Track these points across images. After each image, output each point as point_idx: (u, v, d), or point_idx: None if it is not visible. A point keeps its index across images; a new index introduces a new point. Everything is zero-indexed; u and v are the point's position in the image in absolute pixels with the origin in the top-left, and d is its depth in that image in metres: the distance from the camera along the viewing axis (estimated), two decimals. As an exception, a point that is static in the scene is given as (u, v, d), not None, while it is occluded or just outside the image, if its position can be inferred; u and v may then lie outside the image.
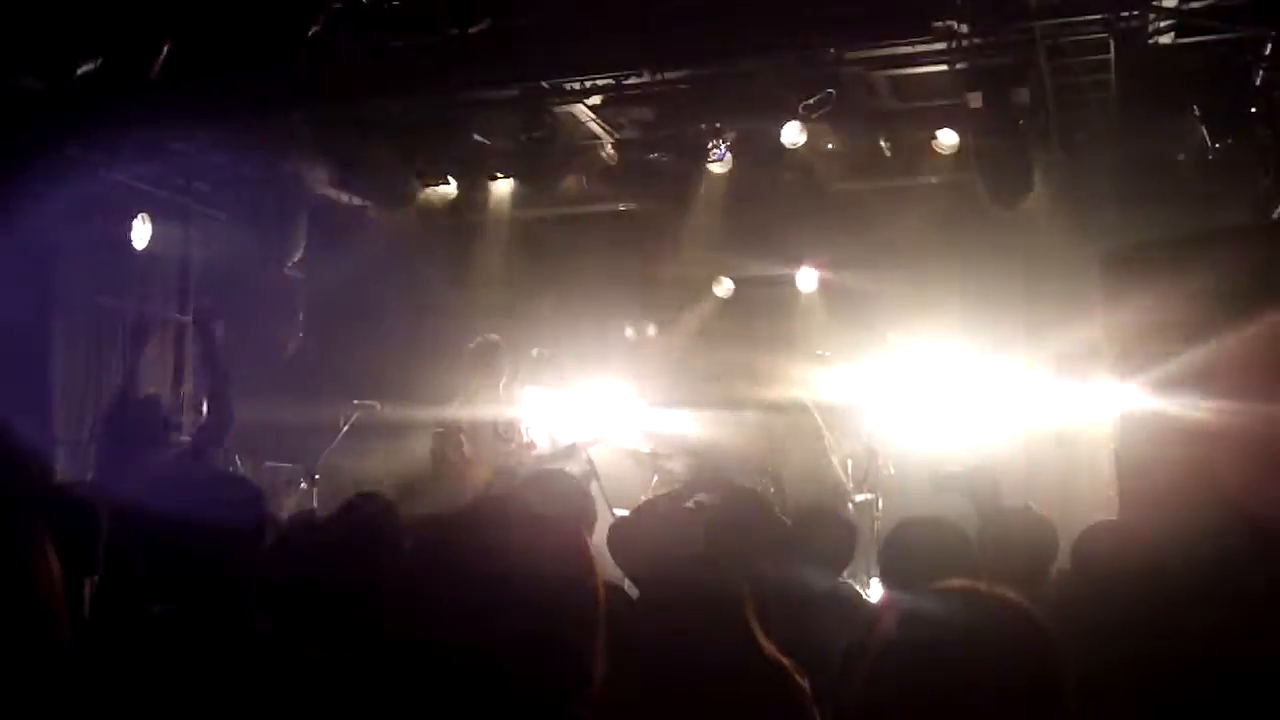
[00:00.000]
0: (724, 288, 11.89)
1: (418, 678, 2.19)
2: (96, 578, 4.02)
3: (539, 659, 2.18)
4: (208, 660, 3.19)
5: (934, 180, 10.51)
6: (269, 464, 10.80)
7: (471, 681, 2.15)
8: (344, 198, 11.74)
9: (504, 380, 9.59)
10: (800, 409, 9.64)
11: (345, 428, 10.13)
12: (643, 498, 10.30)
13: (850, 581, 5.75)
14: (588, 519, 5.33)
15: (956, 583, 2.30)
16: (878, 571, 7.17)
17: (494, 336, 9.70)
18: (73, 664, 2.77)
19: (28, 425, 9.26)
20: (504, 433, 9.49)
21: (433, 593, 2.22)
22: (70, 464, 9.94)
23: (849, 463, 10.63)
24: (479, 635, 2.15)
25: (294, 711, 2.56)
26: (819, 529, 5.58)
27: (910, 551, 4.77)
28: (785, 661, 3.71)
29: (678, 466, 9.26)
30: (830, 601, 5.08)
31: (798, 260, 11.64)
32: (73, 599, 3.73)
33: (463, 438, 9.55)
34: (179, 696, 3.10)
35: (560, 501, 5.17)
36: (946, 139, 9.83)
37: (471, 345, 9.70)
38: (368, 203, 12.02)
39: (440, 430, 9.85)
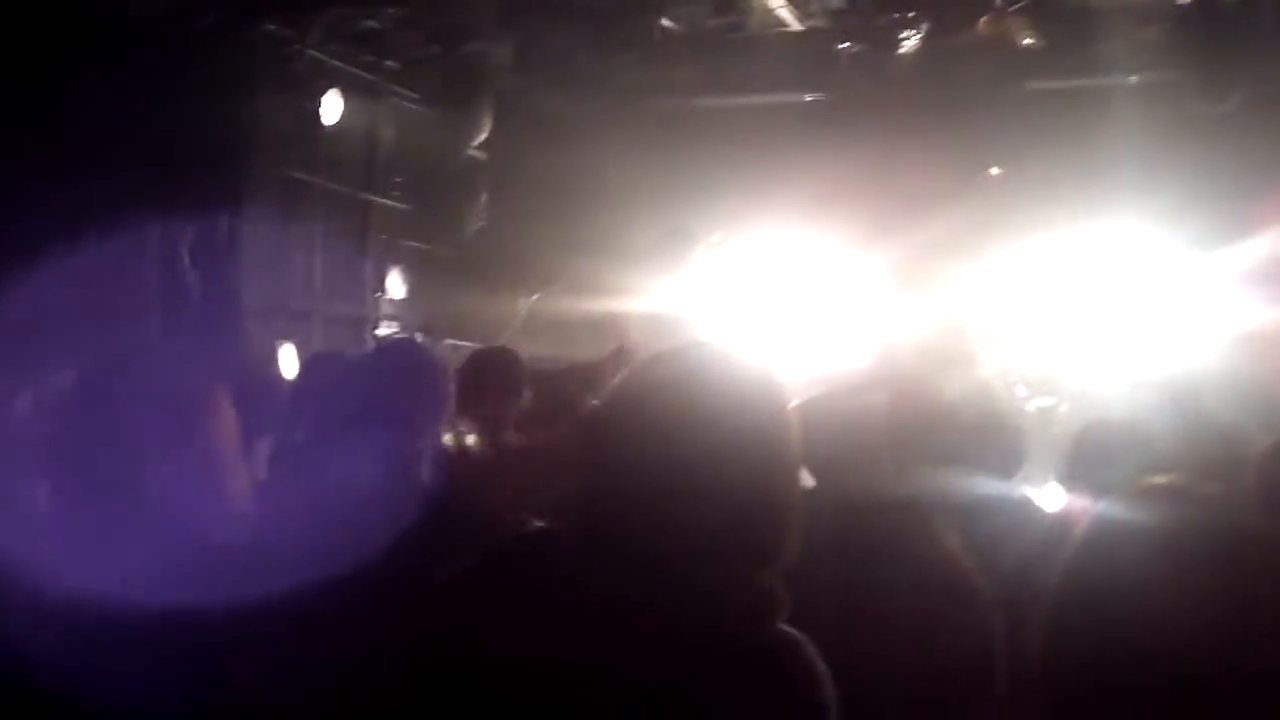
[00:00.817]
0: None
1: (606, 539, 2.15)
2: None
3: (734, 515, 2.11)
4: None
5: (1136, 80, 10.13)
6: (448, 341, 10.96)
7: (662, 538, 2.10)
8: (531, 79, 11.70)
9: (686, 271, 9.59)
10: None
11: (524, 312, 10.18)
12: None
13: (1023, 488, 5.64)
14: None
15: (1157, 480, 2.15)
16: (1059, 476, 7.06)
17: (679, 225, 9.69)
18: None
19: (218, 295, 9.63)
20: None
21: (620, 455, 2.17)
22: (258, 333, 10.17)
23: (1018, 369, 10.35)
24: (672, 488, 2.09)
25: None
26: (988, 432, 5.51)
27: (1098, 455, 4.64)
28: (967, 565, 3.71)
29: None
30: (1002, 506, 5.03)
31: (985, 160, 11.26)
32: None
33: (631, 331, 9.59)
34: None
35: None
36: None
37: (660, 233, 9.71)
38: (554, 84, 11.96)
39: (613, 320, 9.89)
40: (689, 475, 2.06)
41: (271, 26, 10.23)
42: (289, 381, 4.37)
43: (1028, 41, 10.55)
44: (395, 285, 11.89)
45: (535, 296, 10.32)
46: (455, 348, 10.95)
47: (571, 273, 10.66)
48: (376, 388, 3.61)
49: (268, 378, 4.29)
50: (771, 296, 9.96)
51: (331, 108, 10.67)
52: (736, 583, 2.10)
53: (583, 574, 2.11)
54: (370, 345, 11.02)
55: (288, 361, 9.10)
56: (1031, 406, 10.33)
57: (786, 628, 2.13)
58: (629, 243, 10.16)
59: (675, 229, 9.62)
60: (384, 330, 11.62)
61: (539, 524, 2.37)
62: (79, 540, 2.46)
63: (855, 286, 9.35)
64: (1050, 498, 8.53)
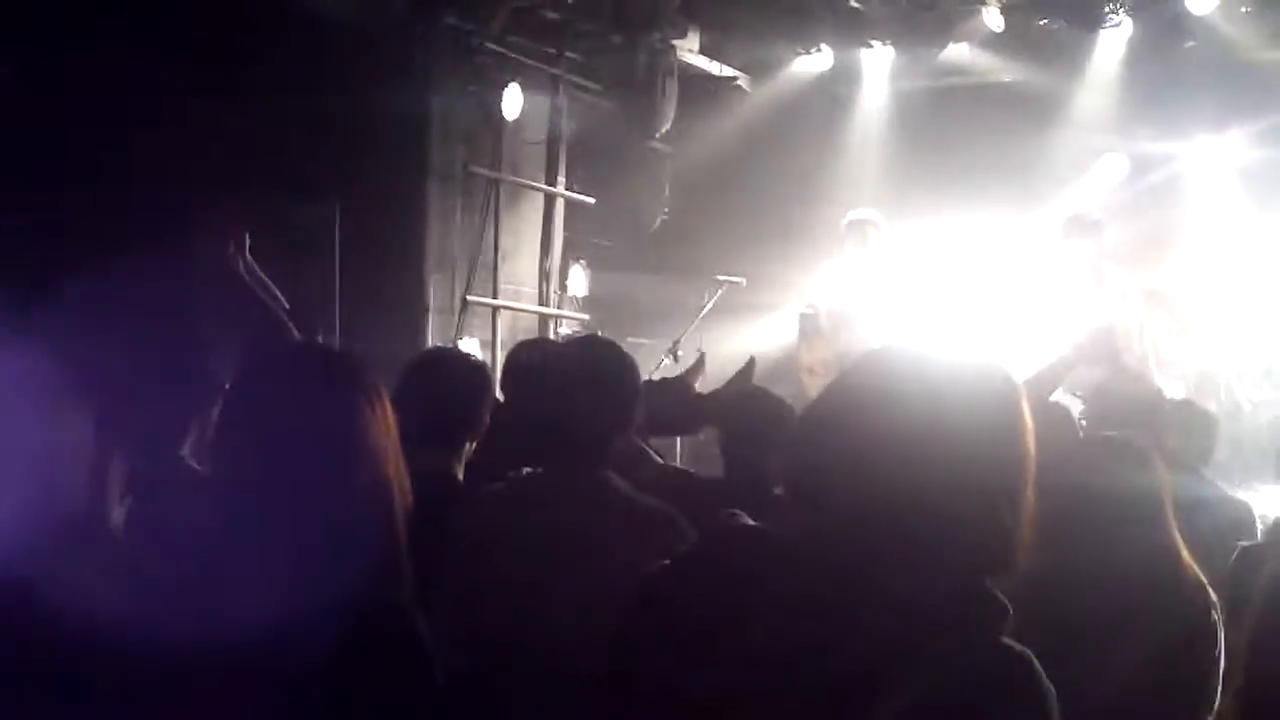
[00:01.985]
0: (1114, 166, 11.15)
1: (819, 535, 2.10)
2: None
3: (965, 518, 2.01)
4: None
5: None
6: (630, 339, 10.86)
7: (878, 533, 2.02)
8: (714, 68, 11.68)
9: (873, 259, 9.45)
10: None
11: (709, 304, 10.11)
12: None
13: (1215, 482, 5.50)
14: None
15: None
16: None
17: (868, 211, 9.53)
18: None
19: (404, 282, 9.84)
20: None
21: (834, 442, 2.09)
22: (439, 331, 10.27)
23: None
24: (898, 487, 2.00)
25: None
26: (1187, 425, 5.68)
27: None
28: (1196, 567, 3.64)
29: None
30: (1219, 505, 5.11)
31: (1201, 139, 10.83)
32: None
33: (825, 321, 9.50)
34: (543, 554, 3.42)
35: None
36: None
37: (844, 222, 9.55)
38: (738, 73, 11.90)
39: (808, 311, 9.80)
40: (917, 474, 2.00)
41: (452, 19, 10.28)
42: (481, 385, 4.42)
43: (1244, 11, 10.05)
44: (578, 281, 11.82)
45: (719, 291, 10.14)
46: (637, 345, 10.87)
47: (754, 264, 10.50)
48: (570, 386, 3.69)
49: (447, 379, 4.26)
50: (953, 284, 9.66)
51: (513, 101, 10.64)
52: (962, 590, 2.03)
53: (800, 578, 2.06)
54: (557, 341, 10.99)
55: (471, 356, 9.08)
56: (1250, 403, 9.83)
57: (1009, 641, 2.04)
58: (812, 232, 9.98)
59: (860, 217, 9.45)
60: (567, 329, 11.57)
61: (749, 521, 2.37)
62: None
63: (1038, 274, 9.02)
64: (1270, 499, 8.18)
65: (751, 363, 6.47)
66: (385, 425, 2.54)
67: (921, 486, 1.97)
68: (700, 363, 6.96)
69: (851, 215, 9.74)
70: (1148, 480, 3.59)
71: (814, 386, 8.96)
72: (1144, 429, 4.79)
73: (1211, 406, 7.28)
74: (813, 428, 2.14)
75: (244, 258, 4.70)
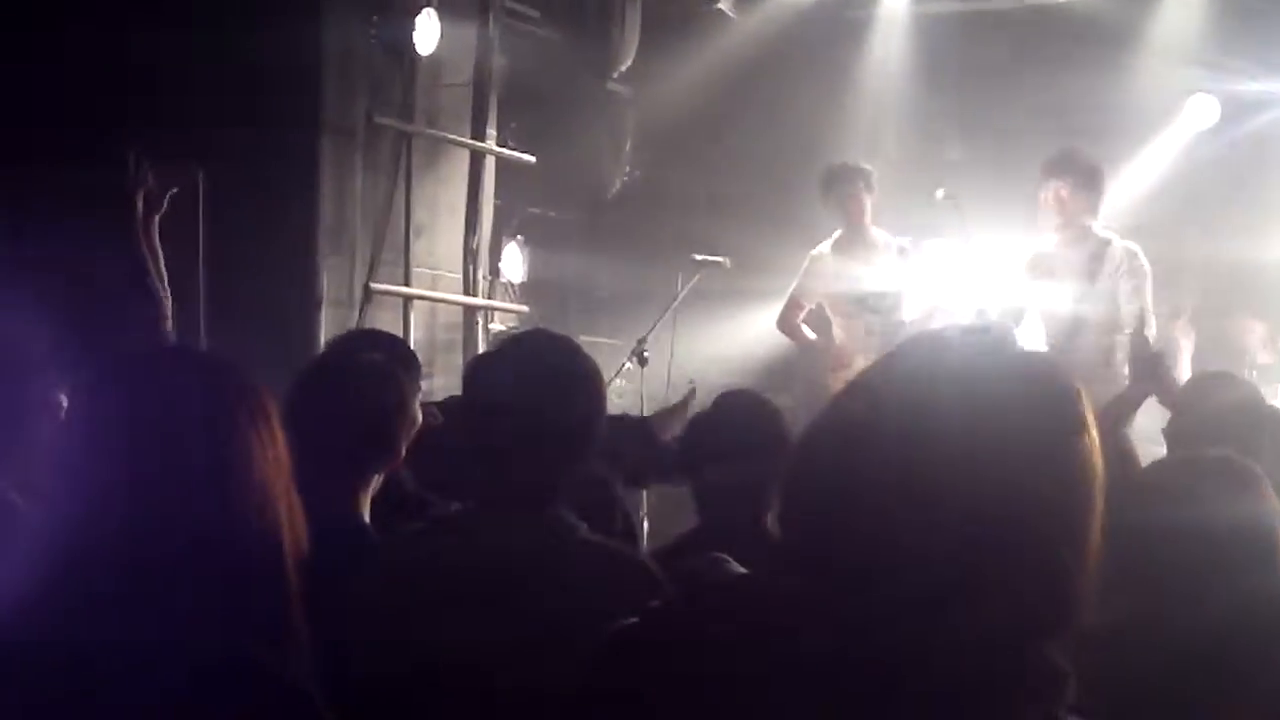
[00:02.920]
0: (1203, 112, 11.29)
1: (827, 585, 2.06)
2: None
3: (1016, 566, 1.98)
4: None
5: None
6: (583, 337, 10.87)
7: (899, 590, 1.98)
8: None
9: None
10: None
11: (684, 291, 10.15)
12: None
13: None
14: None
15: None
16: None
17: (864, 166, 9.75)
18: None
19: (290, 265, 9.77)
20: (874, 303, 9.57)
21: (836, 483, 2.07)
22: (335, 328, 10.22)
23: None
24: (932, 525, 1.97)
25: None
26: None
27: None
28: None
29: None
30: None
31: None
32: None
33: (824, 307, 9.72)
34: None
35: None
36: None
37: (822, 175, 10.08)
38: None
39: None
40: (949, 513, 1.96)
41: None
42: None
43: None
44: (514, 262, 11.82)
45: (696, 274, 10.18)
46: (592, 345, 10.90)
47: (742, 240, 10.52)
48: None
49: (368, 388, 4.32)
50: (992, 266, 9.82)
51: (428, 32, 10.62)
52: (1012, 656, 1.99)
53: (809, 642, 2.03)
54: (485, 340, 11.02)
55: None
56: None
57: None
58: (815, 197, 10.06)
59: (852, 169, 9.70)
60: (500, 325, 11.56)
61: (737, 568, 2.42)
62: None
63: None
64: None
65: (691, 394, 6.52)
66: (274, 452, 2.54)
67: (955, 530, 1.95)
68: (689, 398, 7.01)
69: (838, 165, 10.01)
70: (1255, 510, 3.59)
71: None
72: (1241, 445, 4.83)
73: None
74: (813, 456, 2.13)
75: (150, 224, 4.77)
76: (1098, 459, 2.06)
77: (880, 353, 7.97)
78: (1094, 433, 2.06)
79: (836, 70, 12.22)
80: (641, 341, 10.04)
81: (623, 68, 11.33)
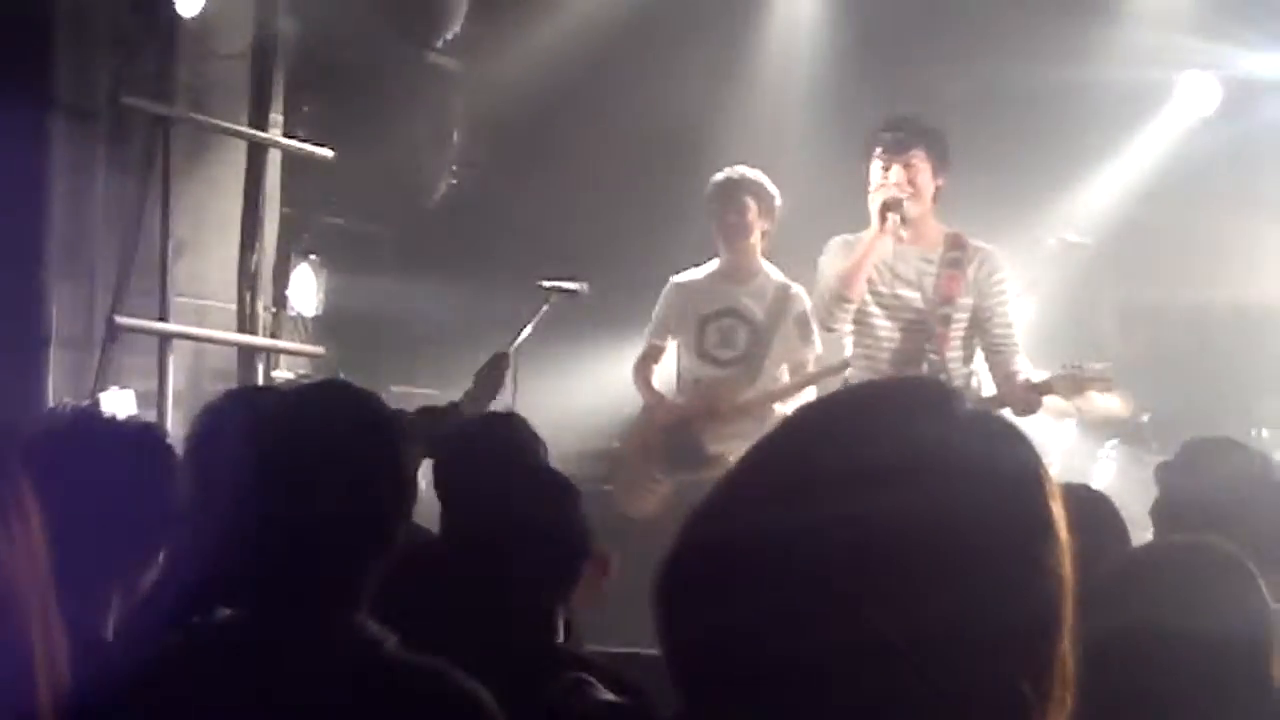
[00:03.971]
0: (1200, 95, 11.64)
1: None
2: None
3: (933, 697, 2.00)
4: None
5: None
6: (395, 387, 10.99)
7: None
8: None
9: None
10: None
11: (530, 325, 10.21)
12: (1048, 458, 10.35)
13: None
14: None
15: None
16: None
17: (743, 172, 9.88)
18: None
19: (16, 270, 9.72)
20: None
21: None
22: (69, 376, 10.18)
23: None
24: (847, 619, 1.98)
25: None
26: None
27: None
28: None
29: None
30: None
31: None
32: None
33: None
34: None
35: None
36: None
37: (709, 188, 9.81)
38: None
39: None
40: (874, 624, 1.98)
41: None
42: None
43: None
44: (306, 289, 11.86)
45: (545, 304, 10.27)
46: (406, 397, 10.99)
47: (605, 259, 10.66)
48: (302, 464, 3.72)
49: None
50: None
51: (190, -12, 10.69)
52: None
53: None
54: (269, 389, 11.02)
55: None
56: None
57: None
58: (697, 206, 10.21)
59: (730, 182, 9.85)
60: (288, 371, 11.60)
61: (604, 694, 2.39)
62: None
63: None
64: None
65: (502, 361, 6.57)
66: (27, 548, 2.61)
67: (881, 649, 1.96)
68: (501, 366, 7.10)
69: (721, 177, 10.11)
70: (1251, 612, 3.74)
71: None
72: (1238, 526, 4.96)
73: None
74: (701, 550, 2.12)
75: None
76: (1067, 561, 2.10)
77: (709, 412, 8.24)
78: (1062, 527, 2.09)
79: (728, 41, 12.38)
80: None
81: (448, 35, 11.43)
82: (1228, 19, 11.48)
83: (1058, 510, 2.08)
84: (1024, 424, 9.62)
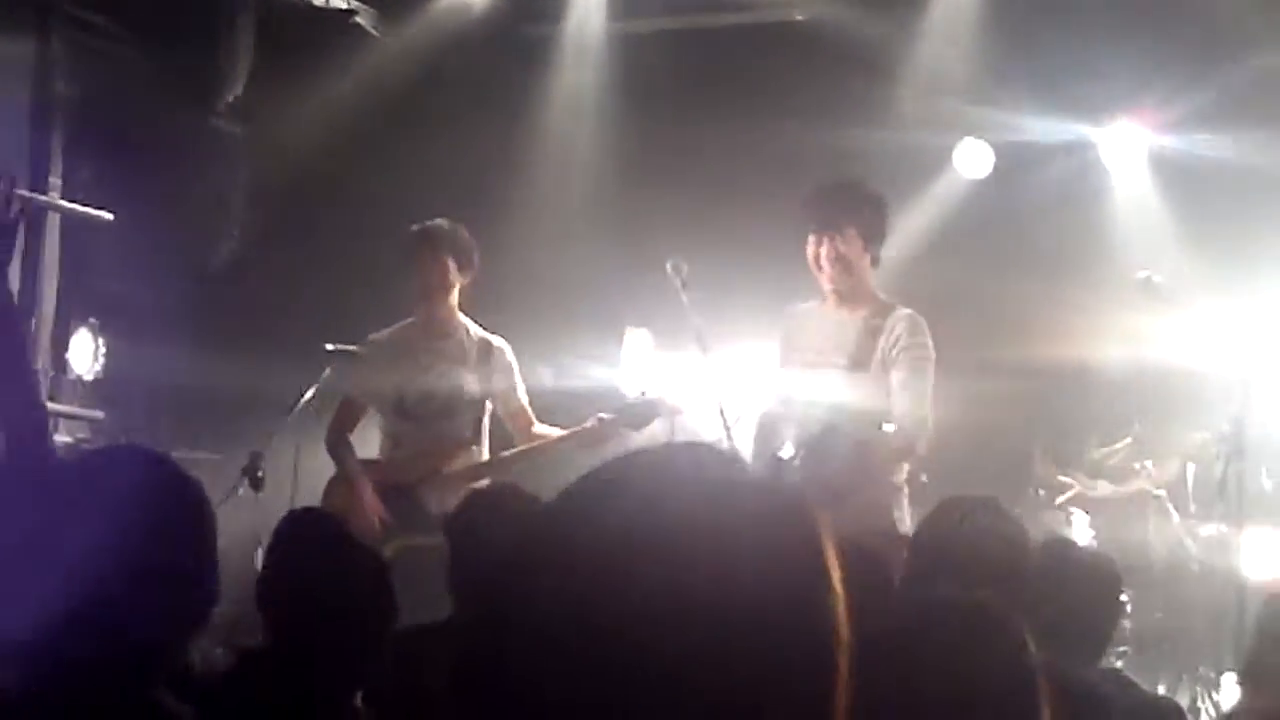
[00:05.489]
0: (974, 160, 11.84)
1: None
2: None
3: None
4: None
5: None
6: (177, 454, 10.82)
7: None
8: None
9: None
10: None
11: (311, 391, 10.13)
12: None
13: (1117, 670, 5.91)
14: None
15: None
16: (1240, 666, 7.26)
17: (443, 226, 9.82)
18: None
19: None
20: (412, 407, 9.88)
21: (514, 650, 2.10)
22: None
23: (1189, 467, 10.69)
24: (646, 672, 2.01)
25: None
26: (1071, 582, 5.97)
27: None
28: None
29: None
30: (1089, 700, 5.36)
31: (1106, 112, 11.55)
32: None
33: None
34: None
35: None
36: None
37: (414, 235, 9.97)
38: (356, 3, 12.05)
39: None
40: (638, 689, 2.01)
41: None
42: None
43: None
44: (84, 353, 11.72)
45: (328, 367, 10.21)
46: (192, 463, 10.87)
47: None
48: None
49: None
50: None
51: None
52: None
53: None
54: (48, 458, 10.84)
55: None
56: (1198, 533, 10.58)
57: None
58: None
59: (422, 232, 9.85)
60: (68, 435, 11.45)
61: None
62: None
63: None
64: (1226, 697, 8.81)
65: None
66: None
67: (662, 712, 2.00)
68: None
69: (420, 230, 10.09)
70: (1014, 670, 3.76)
71: None
72: (1004, 588, 5.04)
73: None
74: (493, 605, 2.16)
75: None
76: (843, 625, 2.13)
77: (400, 474, 8.17)
78: (838, 589, 2.13)
79: (513, 101, 12.41)
80: (256, 457, 9.98)
81: (231, 98, 11.36)
82: (999, 85, 11.66)
83: (834, 571, 2.12)
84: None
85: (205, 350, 11.98)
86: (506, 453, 9.75)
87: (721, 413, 9.18)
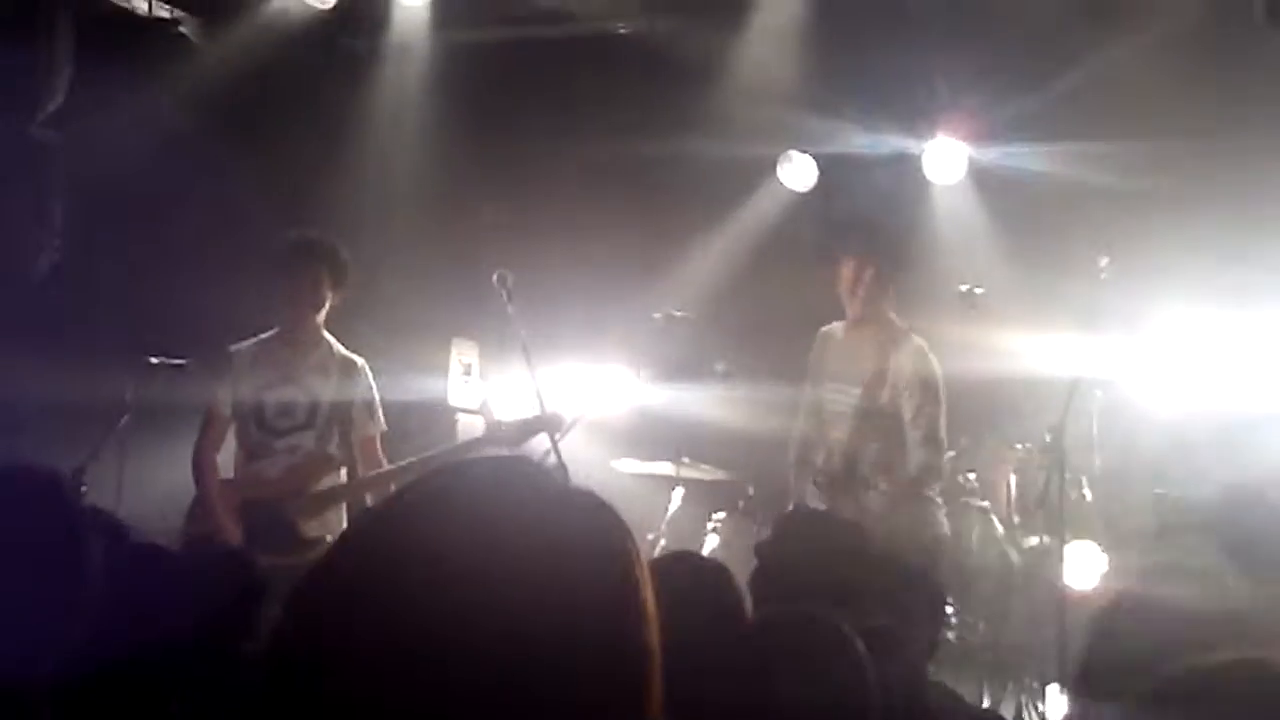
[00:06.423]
0: (798, 172, 11.93)
1: None
2: None
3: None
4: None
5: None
6: (-2, 470, 10.70)
7: None
8: (139, 3, 11.73)
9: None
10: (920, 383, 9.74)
11: (135, 404, 10.03)
12: (659, 527, 10.51)
13: (942, 682, 6.23)
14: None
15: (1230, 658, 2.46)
16: (1071, 678, 7.37)
17: (320, 239, 9.72)
18: None
19: None
20: (273, 420, 9.70)
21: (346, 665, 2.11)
22: None
23: (1011, 479, 10.82)
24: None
25: None
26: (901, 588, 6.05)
27: (1145, 636, 4.77)
28: None
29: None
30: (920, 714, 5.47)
31: (929, 123, 11.66)
32: None
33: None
34: None
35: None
36: None
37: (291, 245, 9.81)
38: (178, 12, 11.93)
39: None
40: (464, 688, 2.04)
41: None
42: None
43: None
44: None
45: (152, 381, 10.12)
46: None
47: (214, 334, 10.54)
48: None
49: None
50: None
51: None
52: None
53: None
54: None
55: None
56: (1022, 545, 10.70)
57: None
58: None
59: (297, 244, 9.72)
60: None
61: None
62: None
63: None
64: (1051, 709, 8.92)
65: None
66: None
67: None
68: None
69: (297, 238, 9.96)
70: (850, 682, 3.88)
71: None
72: (836, 600, 5.09)
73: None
74: (298, 624, 2.19)
75: None
76: (653, 636, 2.17)
77: (264, 490, 8.04)
78: (647, 602, 2.17)
79: (337, 110, 12.38)
80: (78, 473, 9.87)
81: (51, 107, 11.24)
82: (823, 96, 11.74)
83: (644, 584, 2.15)
84: (626, 493, 9.82)
85: (24, 361, 11.82)
86: (375, 471, 9.53)
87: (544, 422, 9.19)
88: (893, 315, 9.53)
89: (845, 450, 9.34)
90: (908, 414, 9.37)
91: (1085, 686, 4.49)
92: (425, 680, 2.02)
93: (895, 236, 9.48)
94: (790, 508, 8.71)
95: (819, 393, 9.61)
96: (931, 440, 9.23)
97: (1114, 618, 4.70)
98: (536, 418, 9.20)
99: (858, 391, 9.38)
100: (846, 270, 9.36)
